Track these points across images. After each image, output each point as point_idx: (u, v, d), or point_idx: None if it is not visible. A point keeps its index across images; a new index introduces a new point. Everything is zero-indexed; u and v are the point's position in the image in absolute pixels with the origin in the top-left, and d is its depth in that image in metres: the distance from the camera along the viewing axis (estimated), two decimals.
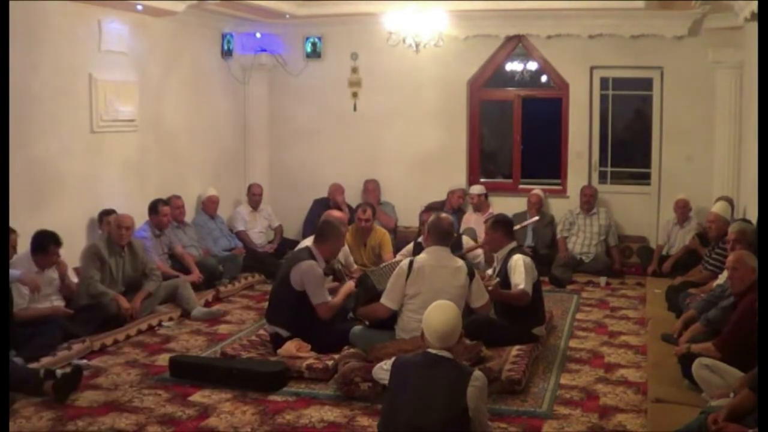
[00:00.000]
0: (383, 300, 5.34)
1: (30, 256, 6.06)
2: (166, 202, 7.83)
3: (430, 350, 3.65)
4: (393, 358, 3.95)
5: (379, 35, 8.27)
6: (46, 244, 6.05)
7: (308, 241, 6.11)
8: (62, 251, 6.26)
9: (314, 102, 9.98)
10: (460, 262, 5.41)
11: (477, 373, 3.63)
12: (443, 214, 5.69)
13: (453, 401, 3.49)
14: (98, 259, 6.51)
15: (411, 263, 5.31)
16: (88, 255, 6.50)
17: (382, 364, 4.67)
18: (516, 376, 5.04)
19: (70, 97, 7.11)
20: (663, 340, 5.66)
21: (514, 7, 8.72)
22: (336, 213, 7.37)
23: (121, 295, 6.53)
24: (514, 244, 6.00)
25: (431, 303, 3.83)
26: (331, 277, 6.28)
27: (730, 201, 7.51)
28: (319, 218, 6.83)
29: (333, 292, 5.90)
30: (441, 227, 5.45)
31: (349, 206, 9.33)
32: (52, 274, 6.25)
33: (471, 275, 5.33)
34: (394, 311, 5.33)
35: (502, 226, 6.00)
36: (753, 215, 6.18)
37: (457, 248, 6.54)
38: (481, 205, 9.17)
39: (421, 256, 5.39)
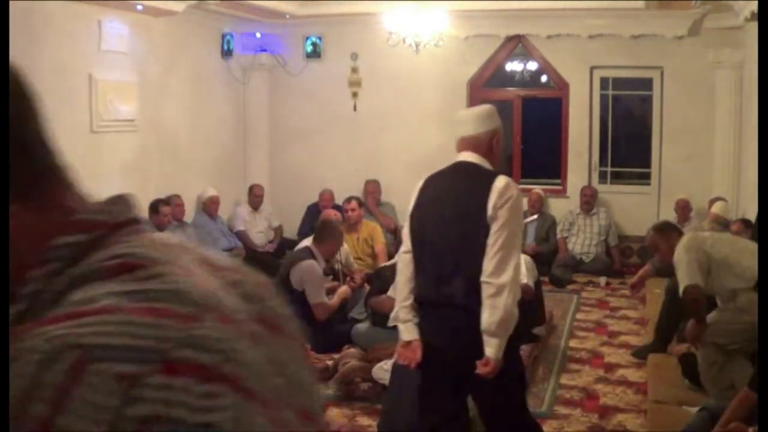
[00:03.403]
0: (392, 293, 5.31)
1: None
2: (166, 202, 7.83)
3: None
4: (393, 359, 3.95)
5: (379, 35, 8.27)
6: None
7: (307, 242, 6.14)
8: None
9: (314, 102, 9.98)
10: None
11: None
12: None
13: None
14: None
15: None
16: None
17: (382, 364, 4.67)
18: None
19: (70, 97, 7.09)
20: None
21: (514, 7, 8.71)
22: (332, 212, 7.49)
23: None
24: None
25: None
26: (331, 276, 6.31)
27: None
28: (311, 226, 6.93)
29: (332, 291, 5.93)
30: None
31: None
32: None
33: None
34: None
35: None
36: (753, 215, 6.17)
37: None
38: None
39: None
